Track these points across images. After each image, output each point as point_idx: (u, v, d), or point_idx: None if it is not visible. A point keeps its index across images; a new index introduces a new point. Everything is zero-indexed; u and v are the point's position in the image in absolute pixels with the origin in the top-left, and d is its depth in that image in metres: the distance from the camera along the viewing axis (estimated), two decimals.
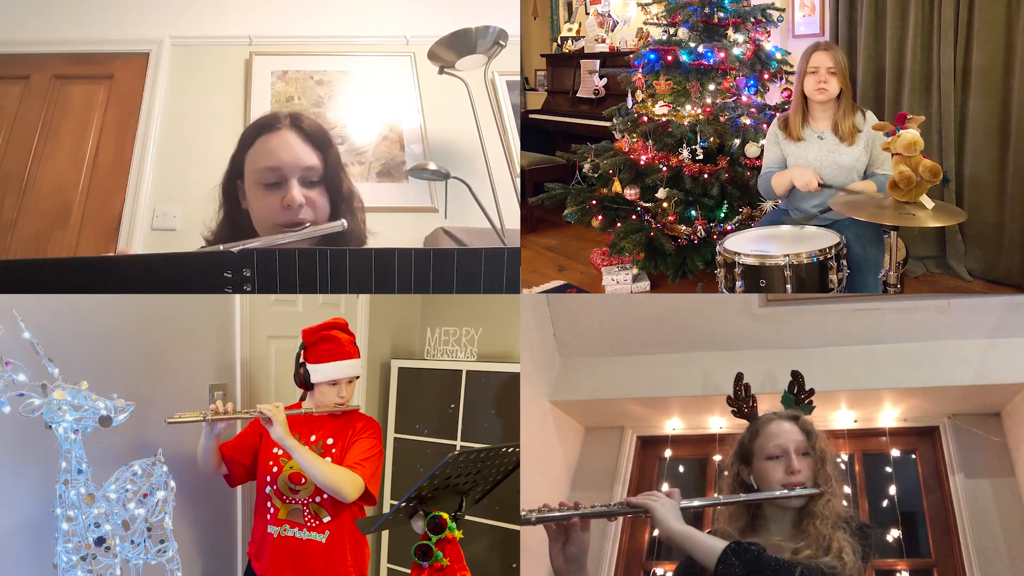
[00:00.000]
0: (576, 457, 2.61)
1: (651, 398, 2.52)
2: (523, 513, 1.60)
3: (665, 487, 2.49)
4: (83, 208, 3.34)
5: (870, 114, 2.61)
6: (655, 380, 2.52)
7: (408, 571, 2.37)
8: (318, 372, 2.19)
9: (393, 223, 3.19)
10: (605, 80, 4.90)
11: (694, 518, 2.37)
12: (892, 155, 2.20)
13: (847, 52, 3.51)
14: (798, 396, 1.98)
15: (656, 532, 2.38)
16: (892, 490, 2.31)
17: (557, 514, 1.60)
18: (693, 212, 3.36)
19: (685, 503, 1.66)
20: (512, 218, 2.97)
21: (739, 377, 1.98)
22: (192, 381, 2.42)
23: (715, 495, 2.36)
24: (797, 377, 1.99)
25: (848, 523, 1.67)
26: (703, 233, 3.34)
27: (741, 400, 1.96)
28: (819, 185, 2.53)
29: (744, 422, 1.94)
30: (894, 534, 2.23)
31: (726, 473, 1.88)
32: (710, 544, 1.56)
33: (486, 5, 3.25)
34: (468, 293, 1.71)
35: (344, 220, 2.06)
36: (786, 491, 1.71)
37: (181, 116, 3.52)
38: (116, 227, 3.28)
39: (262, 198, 2.10)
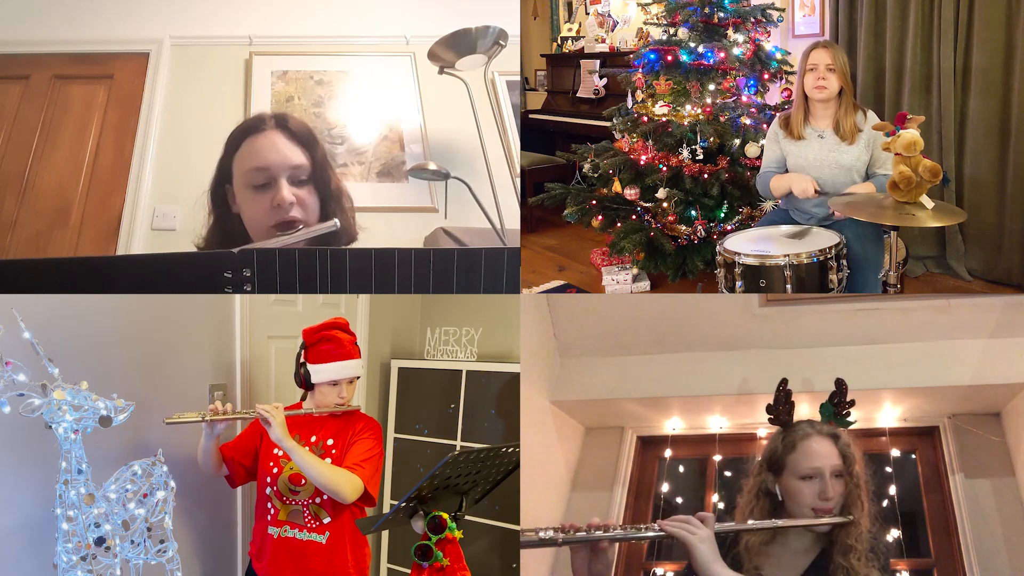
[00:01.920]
0: (576, 457, 2.61)
1: (651, 398, 2.52)
2: (543, 533, 1.50)
3: (672, 500, 2.49)
4: (83, 208, 3.34)
5: (871, 113, 2.61)
6: (655, 380, 2.52)
7: (408, 571, 2.37)
8: (319, 372, 2.18)
9: (393, 223, 3.19)
10: (605, 80, 4.90)
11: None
12: (892, 155, 2.21)
13: (847, 52, 3.51)
14: (838, 407, 1.87)
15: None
16: (892, 490, 2.31)
17: (584, 536, 1.52)
18: (693, 212, 3.36)
19: (717, 527, 1.59)
20: (512, 218, 2.97)
21: (783, 383, 1.85)
22: (192, 381, 2.42)
23: (715, 497, 2.37)
24: (841, 386, 1.87)
25: (878, 555, 1.64)
26: (703, 233, 3.34)
27: (782, 407, 1.84)
28: (816, 192, 2.53)
29: (758, 427, 1.90)
30: (894, 534, 2.23)
31: (733, 476, 1.84)
32: None
33: (486, 5, 3.25)
34: (468, 293, 1.71)
35: (336, 219, 2.06)
36: (816, 519, 1.66)
37: (181, 116, 3.52)
38: (116, 227, 3.28)
39: (252, 200, 2.10)
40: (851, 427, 1.85)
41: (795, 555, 1.70)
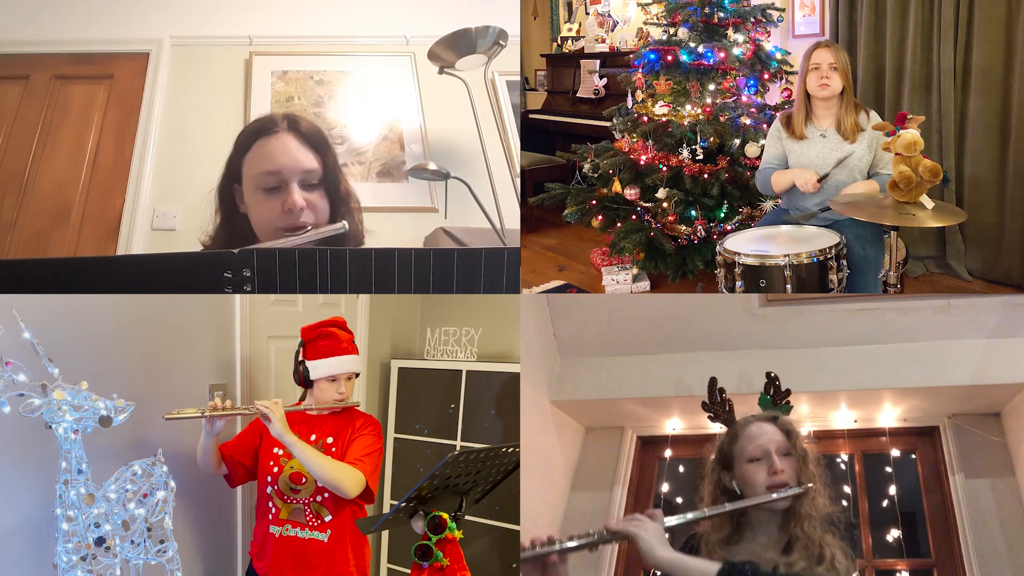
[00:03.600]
0: (576, 457, 2.61)
1: (651, 398, 2.52)
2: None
3: (672, 500, 2.49)
4: (83, 208, 3.34)
5: (873, 113, 2.62)
6: (655, 380, 2.52)
7: (408, 571, 2.37)
8: (317, 368, 2.19)
9: (393, 223, 3.19)
10: (605, 80, 4.90)
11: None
12: (892, 155, 2.21)
13: (847, 52, 3.51)
14: (774, 397, 1.96)
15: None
16: (892, 490, 2.32)
17: (531, 554, 1.51)
18: (693, 212, 3.36)
19: (668, 520, 1.61)
20: (512, 218, 2.97)
21: (713, 381, 1.95)
22: (192, 381, 2.42)
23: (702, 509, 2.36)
24: (772, 379, 1.97)
25: (836, 524, 1.65)
26: (703, 233, 3.34)
27: (716, 405, 1.92)
28: (818, 181, 2.54)
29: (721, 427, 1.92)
30: (894, 534, 2.23)
31: (706, 480, 1.85)
32: (702, 569, 1.53)
33: (486, 5, 3.25)
34: (468, 293, 1.71)
35: (345, 221, 2.06)
36: (771, 495, 1.67)
37: (181, 116, 3.52)
38: (116, 227, 3.28)
39: (262, 202, 2.09)
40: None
41: (764, 547, 1.69)
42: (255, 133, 2.15)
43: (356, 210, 2.24)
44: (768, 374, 1.98)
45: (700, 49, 3.35)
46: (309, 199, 2.09)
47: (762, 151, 3.04)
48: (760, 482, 1.70)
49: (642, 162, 3.45)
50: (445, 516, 1.76)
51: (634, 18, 4.96)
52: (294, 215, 2.06)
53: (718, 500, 1.78)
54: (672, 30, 3.53)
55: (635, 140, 3.55)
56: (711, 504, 1.80)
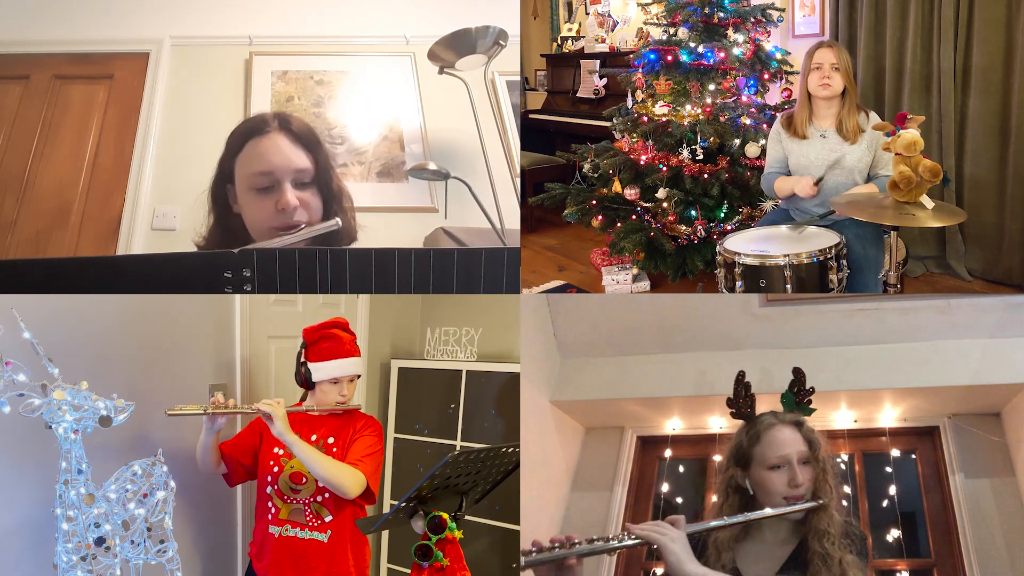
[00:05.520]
0: (576, 457, 2.61)
1: (651, 398, 2.51)
2: (523, 559, 1.51)
3: (672, 500, 2.49)
4: (83, 208, 3.34)
5: (873, 115, 2.62)
6: (655, 380, 2.52)
7: (408, 571, 2.37)
8: (319, 370, 2.19)
9: (393, 223, 3.19)
10: (605, 80, 4.90)
11: (693, 515, 2.36)
12: (892, 155, 2.21)
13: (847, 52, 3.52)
14: (798, 395, 1.92)
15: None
16: (892, 490, 2.31)
17: (548, 556, 1.48)
18: (693, 212, 3.36)
19: (690, 528, 1.60)
20: (512, 218, 2.97)
21: (740, 376, 1.91)
22: (192, 381, 2.42)
23: (715, 497, 2.37)
24: (799, 375, 1.92)
25: (852, 540, 1.65)
26: (703, 233, 3.34)
27: (742, 400, 1.89)
28: (815, 183, 2.54)
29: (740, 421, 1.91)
30: (894, 534, 2.23)
31: (720, 476, 1.84)
32: None
33: (486, 5, 3.26)
34: (468, 293, 1.71)
35: (338, 219, 2.07)
36: (787, 506, 1.67)
37: (181, 116, 3.52)
38: (116, 227, 3.28)
39: (255, 202, 2.10)
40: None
41: (773, 547, 1.69)
42: (246, 133, 2.16)
43: (349, 207, 2.25)
44: (795, 370, 1.92)
45: (700, 49, 3.35)
46: (302, 198, 2.10)
47: (762, 151, 3.04)
48: (778, 491, 1.70)
49: (642, 162, 3.45)
50: (445, 516, 1.76)
51: (634, 18, 4.96)
52: (287, 214, 2.07)
53: (730, 498, 1.78)
54: (672, 30, 3.54)
55: (635, 140, 3.55)
56: (720, 499, 1.80)
